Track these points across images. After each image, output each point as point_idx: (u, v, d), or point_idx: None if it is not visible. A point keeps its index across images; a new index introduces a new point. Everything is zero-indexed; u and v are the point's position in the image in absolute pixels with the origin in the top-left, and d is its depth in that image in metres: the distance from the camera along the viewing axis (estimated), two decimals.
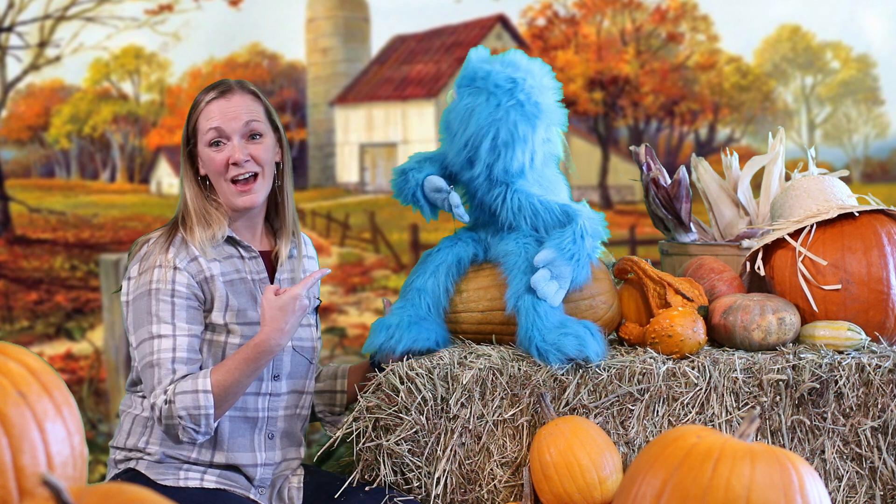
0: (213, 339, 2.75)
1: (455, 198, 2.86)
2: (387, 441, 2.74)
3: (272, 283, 2.85)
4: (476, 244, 2.96)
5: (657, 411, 2.79)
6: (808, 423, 2.80)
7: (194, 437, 2.66)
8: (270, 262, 2.89)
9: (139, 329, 2.71)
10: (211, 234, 2.77)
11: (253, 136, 2.80)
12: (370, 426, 2.75)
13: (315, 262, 3.01)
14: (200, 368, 2.72)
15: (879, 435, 2.80)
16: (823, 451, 2.81)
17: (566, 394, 2.77)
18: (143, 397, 2.75)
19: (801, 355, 2.81)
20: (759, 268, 3.01)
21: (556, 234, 2.79)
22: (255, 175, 2.79)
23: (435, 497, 2.78)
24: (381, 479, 2.76)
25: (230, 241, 2.82)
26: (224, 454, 2.77)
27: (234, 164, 2.77)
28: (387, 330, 2.80)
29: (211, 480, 2.76)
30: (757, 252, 3.04)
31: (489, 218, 2.91)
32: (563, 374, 2.77)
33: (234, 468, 2.79)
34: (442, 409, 2.77)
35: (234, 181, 2.78)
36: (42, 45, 7.34)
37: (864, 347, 2.86)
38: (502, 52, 2.89)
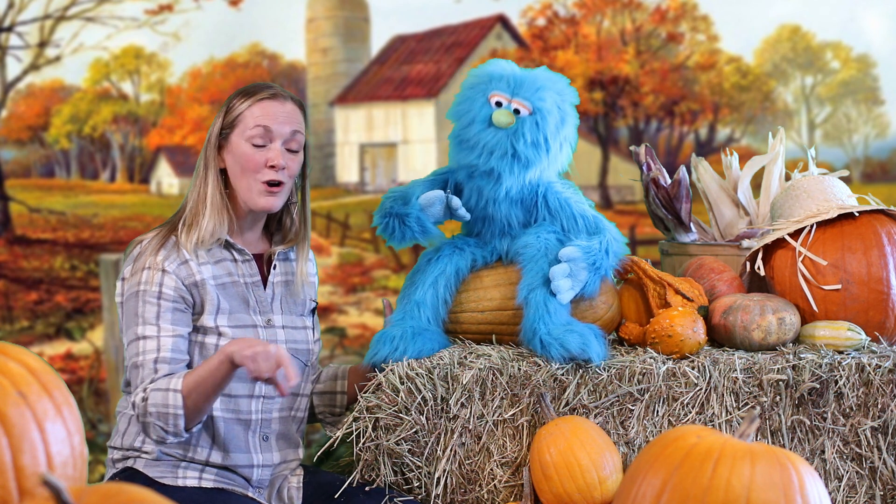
0: (204, 342, 2.75)
1: (455, 200, 2.87)
2: (387, 441, 2.74)
3: (265, 286, 2.85)
4: (475, 249, 2.95)
5: (657, 411, 2.79)
6: (808, 423, 2.80)
7: (163, 437, 2.64)
8: (263, 265, 2.89)
9: (128, 330, 2.73)
10: (220, 228, 2.77)
11: (292, 148, 2.81)
12: (370, 426, 2.75)
13: (313, 263, 3.01)
14: (189, 365, 2.72)
15: (879, 435, 2.80)
16: (823, 451, 2.81)
17: (566, 394, 2.77)
18: None
19: (801, 355, 2.81)
20: (759, 268, 3.01)
21: (585, 239, 2.83)
22: (281, 183, 2.79)
23: (435, 497, 2.78)
24: (381, 479, 2.77)
25: (224, 243, 2.82)
26: (220, 454, 2.77)
27: (273, 167, 2.77)
28: (391, 342, 2.80)
29: (209, 479, 2.76)
30: (757, 252, 3.04)
31: (512, 231, 2.91)
32: (563, 374, 2.77)
33: (230, 469, 2.78)
34: (442, 409, 2.77)
35: (264, 182, 2.78)
36: (42, 45, 7.35)
37: (864, 347, 2.86)
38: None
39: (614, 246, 2.85)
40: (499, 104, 2.84)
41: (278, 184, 2.78)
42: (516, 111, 2.83)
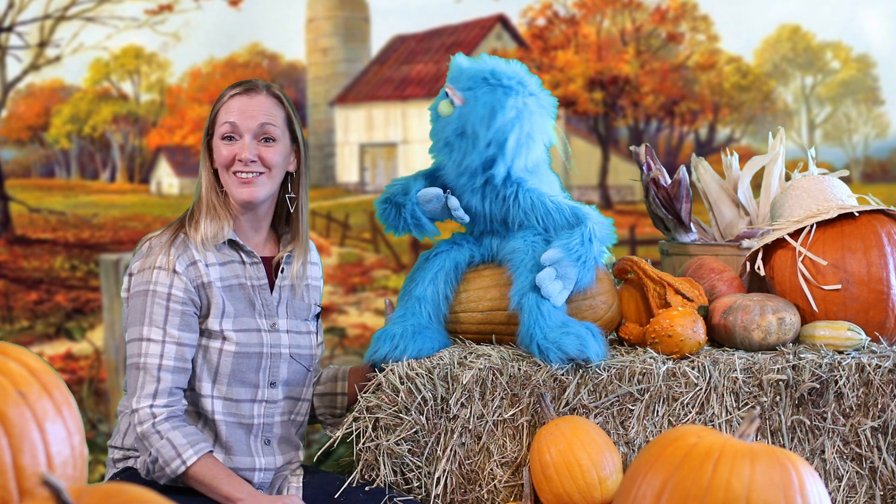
0: (208, 346, 2.75)
1: (454, 200, 2.87)
2: (387, 441, 2.74)
3: (272, 289, 2.85)
4: (473, 246, 2.95)
5: (657, 411, 2.79)
6: (808, 423, 2.80)
7: (152, 469, 2.69)
8: (272, 268, 2.88)
9: (132, 327, 2.72)
10: (217, 227, 2.77)
11: (266, 139, 2.80)
12: (370, 426, 2.75)
13: (318, 267, 3.01)
14: (192, 368, 2.72)
15: (879, 435, 2.80)
16: (823, 451, 2.81)
17: (566, 394, 2.77)
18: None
19: (801, 355, 2.81)
20: (759, 268, 3.01)
21: (565, 235, 2.80)
22: (261, 173, 2.78)
23: (435, 497, 2.78)
24: (381, 479, 2.76)
25: (233, 244, 2.82)
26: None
27: (240, 160, 2.77)
28: (391, 340, 2.80)
29: None
30: (757, 252, 3.04)
31: (496, 227, 2.91)
32: (563, 374, 2.77)
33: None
34: (442, 409, 2.77)
35: (235, 173, 2.78)
36: (42, 45, 7.35)
37: (864, 347, 2.86)
38: (476, 57, 2.90)
39: (598, 231, 2.80)
40: (447, 94, 2.85)
41: (251, 175, 2.78)
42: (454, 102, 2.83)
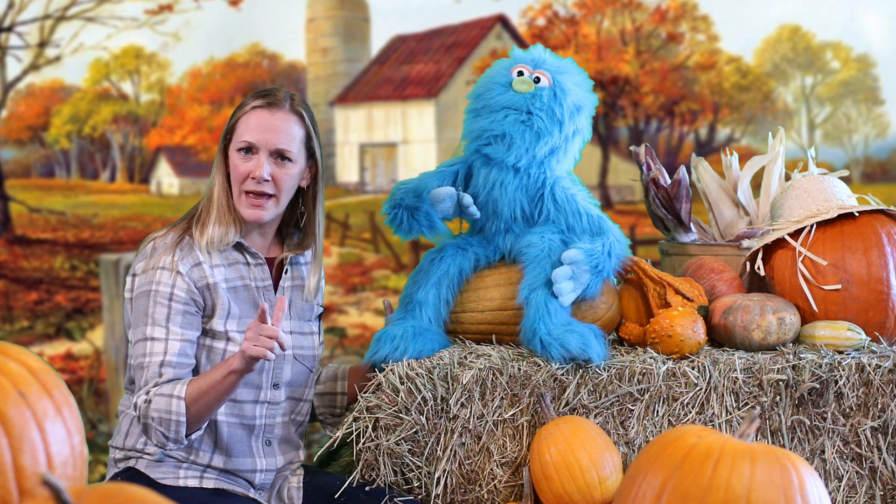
0: (212, 346, 2.74)
1: (467, 197, 2.87)
2: (387, 441, 2.75)
3: (276, 290, 2.84)
4: (479, 249, 2.95)
5: (657, 411, 2.79)
6: (808, 423, 2.80)
7: (164, 442, 2.64)
8: (276, 269, 2.88)
9: (136, 328, 2.72)
10: (223, 231, 2.76)
11: (282, 157, 2.77)
12: (370, 426, 2.75)
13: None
14: (195, 373, 2.72)
15: (879, 435, 2.80)
16: (823, 451, 2.81)
17: (566, 394, 2.77)
18: None
19: (801, 355, 2.81)
20: (759, 268, 3.01)
21: (588, 241, 2.83)
22: (270, 196, 2.77)
23: (435, 497, 2.78)
24: (381, 479, 2.77)
25: (237, 246, 2.81)
26: (223, 458, 2.76)
27: (253, 178, 2.75)
28: (391, 341, 2.80)
29: (210, 480, 2.76)
30: (757, 252, 3.04)
31: (515, 224, 2.91)
32: (563, 374, 2.77)
33: (233, 472, 2.78)
34: (442, 409, 2.77)
35: (247, 192, 2.76)
36: (42, 45, 7.35)
37: (864, 347, 2.86)
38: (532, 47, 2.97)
39: (617, 248, 2.85)
40: (520, 73, 2.86)
41: (261, 195, 2.76)
42: (537, 80, 2.84)
